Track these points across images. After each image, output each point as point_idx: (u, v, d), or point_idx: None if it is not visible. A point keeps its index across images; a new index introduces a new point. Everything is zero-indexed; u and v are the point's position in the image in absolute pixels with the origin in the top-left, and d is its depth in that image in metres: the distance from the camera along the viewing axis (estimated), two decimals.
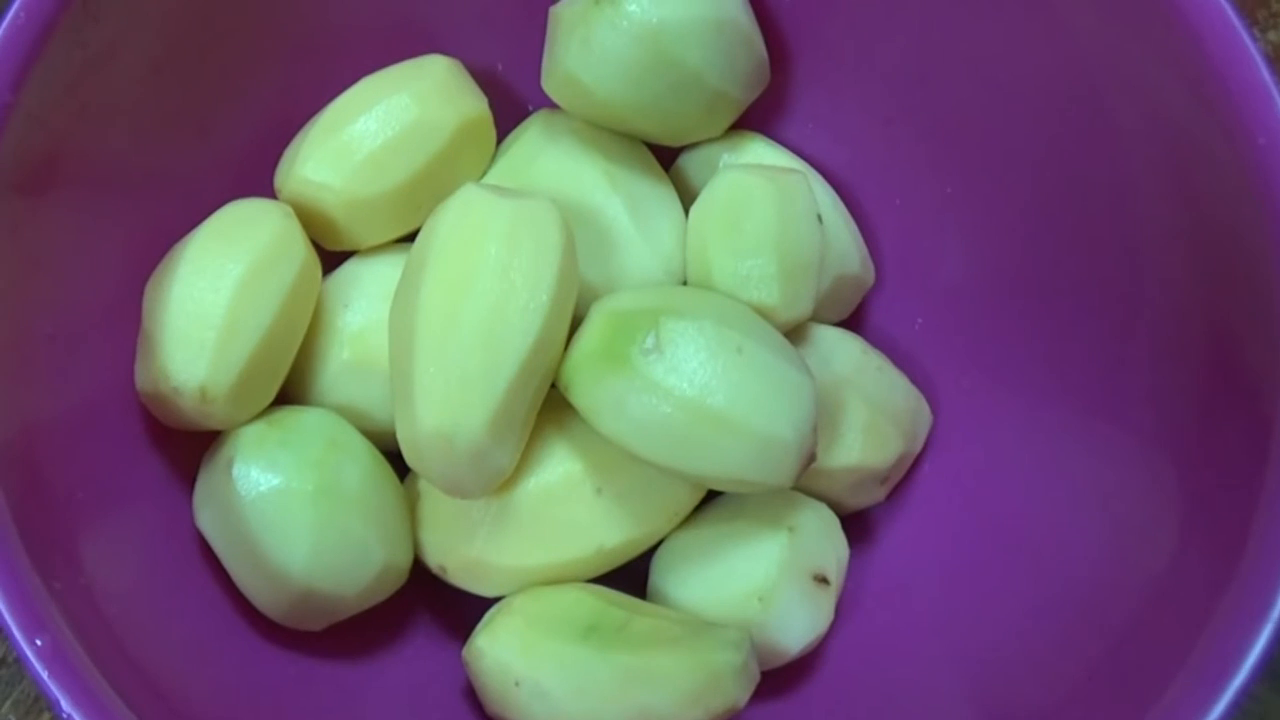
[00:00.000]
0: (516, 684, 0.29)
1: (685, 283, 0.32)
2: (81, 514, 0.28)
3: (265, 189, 0.32)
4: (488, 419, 0.28)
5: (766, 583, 0.30)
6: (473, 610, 0.31)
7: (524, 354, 0.28)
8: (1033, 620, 0.30)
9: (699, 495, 0.31)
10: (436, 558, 0.31)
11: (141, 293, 0.30)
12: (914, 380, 0.34)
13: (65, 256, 0.29)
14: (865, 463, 0.32)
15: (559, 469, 0.30)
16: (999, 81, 0.32)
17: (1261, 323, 0.26)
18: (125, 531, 0.29)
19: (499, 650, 0.29)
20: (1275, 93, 0.26)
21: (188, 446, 0.31)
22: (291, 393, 0.32)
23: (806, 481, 0.31)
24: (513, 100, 0.36)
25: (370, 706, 0.31)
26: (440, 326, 0.28)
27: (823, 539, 0.32)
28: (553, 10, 0.32)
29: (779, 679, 0.32)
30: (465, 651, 0.30)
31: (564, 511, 0.30)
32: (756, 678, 0.29)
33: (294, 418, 0.31)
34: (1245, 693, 0.24)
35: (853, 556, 0.33)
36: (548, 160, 0.33)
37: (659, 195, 0.34)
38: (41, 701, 0.35)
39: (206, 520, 0.30)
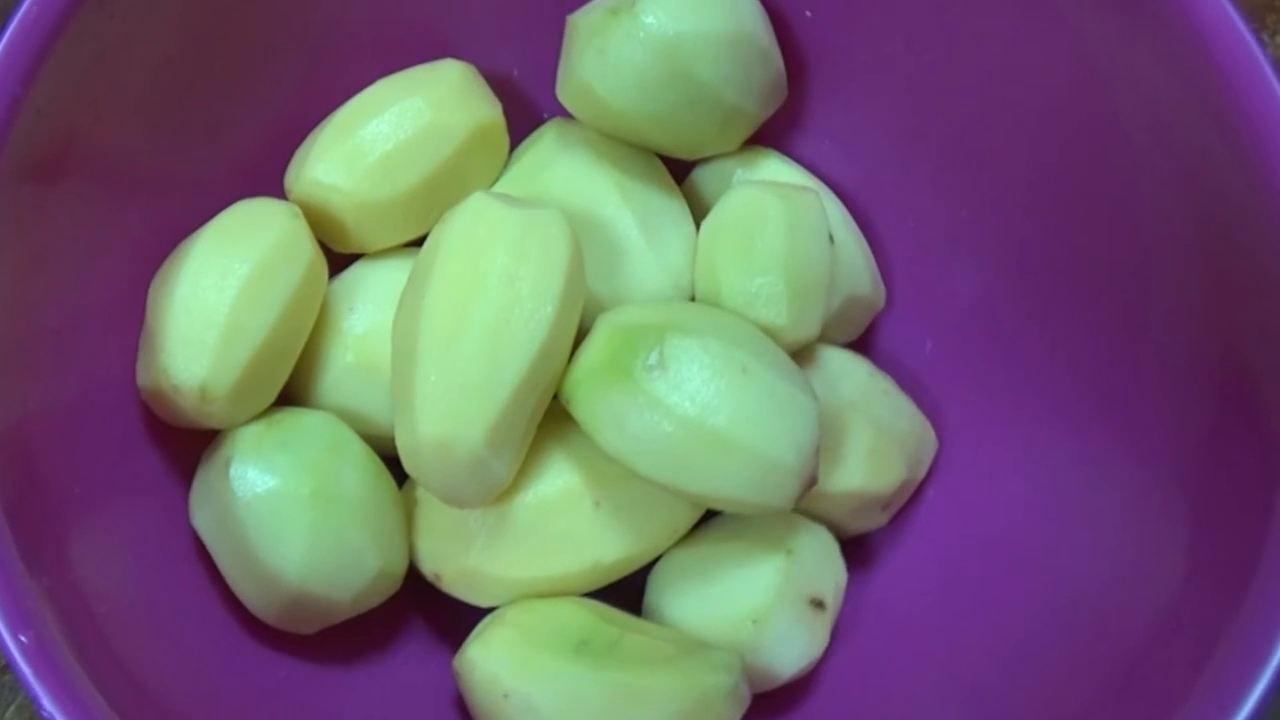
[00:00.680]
0: (505, 696, 0.29)
1: (694, 298, 0.32)
2: (76, 509, 0.28)
3: (275, 189, 0.32)
4: (488, 429, 0.28)
5: (762, 605, 0.30)
6: (466, 620, 0.31)
7: (527, 365, 0.28)
8: (1034, 653, 0.30)
9: (698, 513, 0.31)
10: (432, 566, 0.31)
11: (147, 289, 0.30)
12: (921, 405, 0.34)
13: (72, 251, 0.29)
14: (868, 488, 0.32)
15: (558, 481, 0.30)
16: (1016, 102, 0.31)
17: (1275, 346, 0.26)
18: (120, 528, 0.29)
19: (490, 662, 0.29)
20: None
21: (187, 444, 0.31)
22: (293, 394, 0.32)
23: (807, 504, 0.30)
24: (527, 107, 0.36)
25: (358, 712, 0.31)
26: (444, 334, 0.28)
27: (821, 563, 0.31)
28: (570, 19, 0.32)
29: (771, 702, 0.32)
30: (456, 661, 0.30)
31: (561, 524, 0.30)
32: (747, 701, 0.29)
33: (294, 419, 0.31)
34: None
35: (852, 581, 0.33)
36: (560, 169, 0.33)
37: (670, 209, 0.33)
38: None
39: (202, 520, 0.30)
